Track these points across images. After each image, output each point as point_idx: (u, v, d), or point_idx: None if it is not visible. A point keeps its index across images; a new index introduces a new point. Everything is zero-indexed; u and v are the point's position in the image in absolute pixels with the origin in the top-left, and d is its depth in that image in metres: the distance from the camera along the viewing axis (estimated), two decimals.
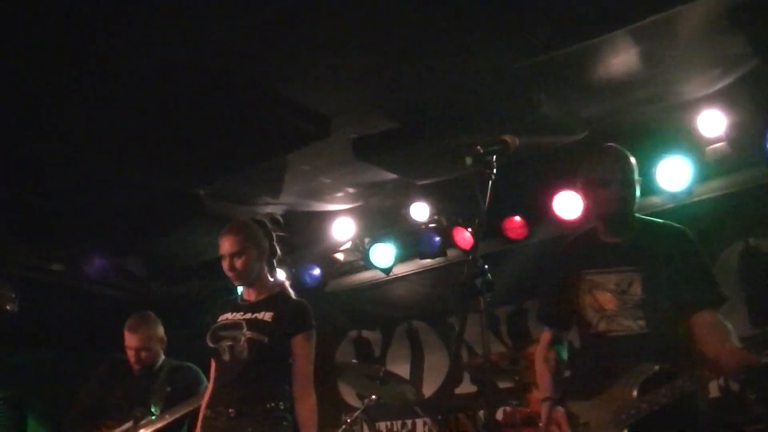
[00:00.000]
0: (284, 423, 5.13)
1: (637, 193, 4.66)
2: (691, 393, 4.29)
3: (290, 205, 8.48)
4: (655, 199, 7.20)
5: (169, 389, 6.54)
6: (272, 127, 6.80)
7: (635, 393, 4.25)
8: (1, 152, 6.83)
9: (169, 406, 6.41)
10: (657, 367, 4.27)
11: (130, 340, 6.60)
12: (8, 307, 6.98)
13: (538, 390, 6.05)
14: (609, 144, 4.83)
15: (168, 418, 6.33)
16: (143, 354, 6.60)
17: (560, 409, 4.54)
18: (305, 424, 5.16)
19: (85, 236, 8.76)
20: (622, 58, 6.08)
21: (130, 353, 6.61)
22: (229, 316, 5.40)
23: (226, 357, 5.24)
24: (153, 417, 6.39)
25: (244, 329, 5.24)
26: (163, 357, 6.77)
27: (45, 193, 7.71)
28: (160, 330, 6.76)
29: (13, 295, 8.43)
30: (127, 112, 6.43)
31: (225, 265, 5.38)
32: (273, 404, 5.11)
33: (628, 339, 4.44)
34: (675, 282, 4.44)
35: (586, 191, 4.71)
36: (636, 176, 4.65)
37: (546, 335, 4.94)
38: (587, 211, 4.78)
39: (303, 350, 5.28)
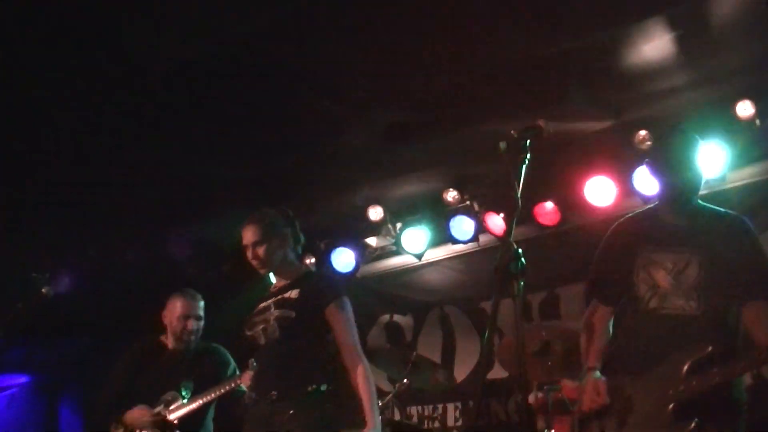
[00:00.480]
0: (327, 405, 5.13)
1: (702, 177, 4.69)
2: (739, 378, 4.35)
3: (323, 190, 8.50)
4: None
5: (197, 371, 6.57)
6: (305, 112, 6.84)
7: (685, 371, 4.25)
8: (41, 135, 6.92)
9: (199, 389, 6.43)
10: (710, 348, 4.26)
11: (187, 307, 6.65)
12: (44, 290, 7.02)
13: (568, 379, 6.05)
14: (678, 126, 4.84)
15: (199, 402, 6.35)
16: (195, 323, 6.64)
17: (603, 379, 4.56)
18: (362, 395, 5.16)
19: (122, 221, 8.83)
20: (654, 44, 6.07)
21: (179, 323, 6.61)
22: (262, 303, 5.50)
23: (262, 341, 5.34)
24: (184, 401, 6.42)
25: (272, 310, 5.35)
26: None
27: (84, 178, 7.79)
28: None
29: (48, 276, 8.50)
30: (170, 100, 6.52)
31: (249, 254, 5.48)
32: (314, 386, 5.13)
33: (680, 318, 4.46)
34: (731, 269, 4.46)
35: (653, 172, 4.72)
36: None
37: (593, 308, 4.94)
38: (657, 191, 4.77)
39: (339, 319, 5.31)
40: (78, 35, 5.61)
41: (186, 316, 6.64)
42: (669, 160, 4.60)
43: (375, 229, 9.30)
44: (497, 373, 8.36)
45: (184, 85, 6.27)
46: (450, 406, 9.40)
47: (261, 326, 5.34)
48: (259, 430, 5.20)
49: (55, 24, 5.49)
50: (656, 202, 4.88)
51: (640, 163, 6.77)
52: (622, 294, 4.77)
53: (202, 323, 6.74)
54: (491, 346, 7.86)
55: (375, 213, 8.99)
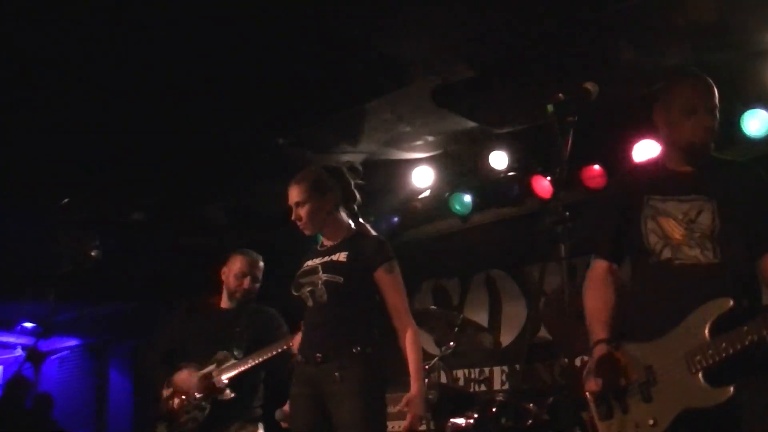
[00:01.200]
0: (372, 367, 5.09)
1: (716, 125, 4.30)
2: None
3: (370, 153, 8.50)
4: (734, 148, 7.07)
5: (249, 331, 6.57)
6: (352, 75, 6.84)
7: (707, 332, 3.91)
8: (84, 99, 6.96)
9: (251, 350, 6.42)
10: (732, 303, 3.92)
11: (247, 266, 6.64)
12: (93, 254, 7.09)
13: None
14: (694, 71, 4.56)
15: (251, 363, 6.33)
16: (250, 283, 6.65)
17: (615, 352, 4.19)
18: (408, 358, 5.15)
19: (165, 186, 8.89)
20: (704, 4, 6.00)
21: (235, 280, 6.61)
22: (309, 262, 5.42)
23: (310, 303, 5.28)
24: (236, 360, 6.45)
25: (320, 273, 5.27)
26: None
27: (126, 142, 7.85)
28: None
29: (97, 242, 8.56)
30: (208, 62, 6.51)
31: (293, 214, 5.44)
32: (359, 348, 5.09)
33: (696, 269, 4.11)
34: (748, 217, 4.14)
35: (670, 119, 4.33)
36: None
37: (597, 267, 4.50)
38: (665, 139, 4.49)
39: (388, 283, 5.27)
40: None
41: (243, 274, 6.65)
42: (690, 107, 4.24)
43: (422, 192, 9.29)
44: (543, 336, 8.36)
45: (226, 43, 6.27)
46: (496, 369, 9.41)
47: (308, 288, 5.28)
48: (305, 391, 5.19)
49: None
50: (663, 151, 4.54)
51: None
52: (626, 249, 4.44)
53: (257, 285, 6.72)
54: (537, 309, 7.85)
55: (422, 176, 8.98)
